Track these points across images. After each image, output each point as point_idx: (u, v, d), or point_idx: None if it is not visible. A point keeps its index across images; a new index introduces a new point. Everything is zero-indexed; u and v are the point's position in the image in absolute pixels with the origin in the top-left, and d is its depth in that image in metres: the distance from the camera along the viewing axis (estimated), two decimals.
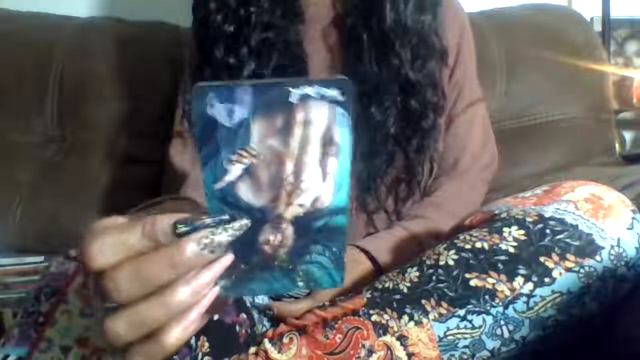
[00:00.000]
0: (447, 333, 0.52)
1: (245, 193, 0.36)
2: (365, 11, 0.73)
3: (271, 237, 0.37)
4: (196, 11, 0.77)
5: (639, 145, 1.43)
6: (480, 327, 0.52)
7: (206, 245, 0.34)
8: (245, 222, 0.36)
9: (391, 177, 0.76)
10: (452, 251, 0.55)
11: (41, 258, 1.00)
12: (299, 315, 0.60)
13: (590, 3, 1.37)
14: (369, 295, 0.57)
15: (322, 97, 0.33)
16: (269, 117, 0.34)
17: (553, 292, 0.51)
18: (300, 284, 0.39)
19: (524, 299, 0.51)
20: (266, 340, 0.56)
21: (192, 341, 0.54)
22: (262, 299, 0.71)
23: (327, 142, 0.35)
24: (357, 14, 0.74)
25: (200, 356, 0.55)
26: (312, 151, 0.35)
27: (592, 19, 1.36)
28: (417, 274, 0.56)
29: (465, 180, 0.83)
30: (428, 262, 0.56)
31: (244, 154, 0.35)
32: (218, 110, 0.33)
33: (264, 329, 0.68)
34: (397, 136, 0.74)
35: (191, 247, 0.33)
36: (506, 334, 0.52)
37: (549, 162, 1.13)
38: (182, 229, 0.34)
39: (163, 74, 1.10)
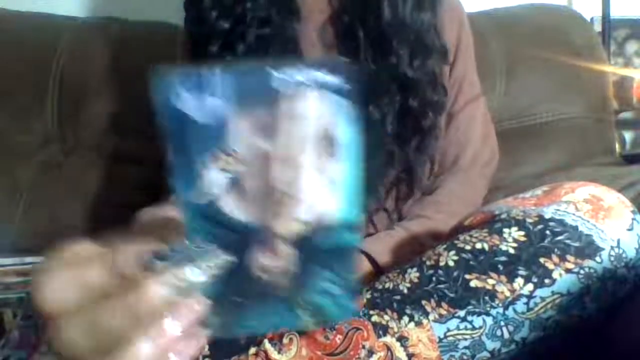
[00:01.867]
0: (447, 334, 0.52)
1: (230, 207, 0.29)
2: (362, 8, 0.72)
3: (267, 262, 0.31)
4: (188, 9, 0.77)
5: (639, 145, 1.43)
6: (480, 328, 0.52)
7: (178, 289, 0.27)
8: (226, 258, 0.29)
9: (391, 177, 0.76)
10: (452, 252, 0.55)
11: (41, 258, 1.00)
12: None
13: (590, 3, 1.37)
14: (368, 296, 0.57)
15: (317, 84, 0.27)
16: (248, 108, 0.27)
17: (553, 293, 0.51)
18: (307, 318, 0.32)
19: (524, 300, 0.51)
20: (266, 341, 0.56)
21: None
22: None
23: (328, 141, 0.28)
24: (353, 11, 0.73)
25: (200, 357, 0.55)
26: (306, 152, 0.28)
27: (592, 19, 1.36)
28: (417, 274, 0.56)
29: (465, 177, 0.83)
30: (428, 263, 0.56)
31: (222, 155, 0.28)
32: (186, 102, 0.27)
33: None
34: (396, 136, 0.74)
35: (157, 292, 0.28)
36: (506, 335, 0.52)
37: (549, 162, 1.13)
38: (157, 263, 0.28)
39: None
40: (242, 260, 0.30)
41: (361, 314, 0.55)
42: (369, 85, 0.72)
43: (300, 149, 0.28)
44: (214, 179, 0.28)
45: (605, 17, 1.35)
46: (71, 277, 0.29)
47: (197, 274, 0.28)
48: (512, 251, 0.52)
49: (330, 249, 0.30)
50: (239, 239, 0.30)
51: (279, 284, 0.31)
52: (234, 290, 0.31)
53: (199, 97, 0.27)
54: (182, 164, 0.28)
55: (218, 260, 0.29)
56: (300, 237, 0.30)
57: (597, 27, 1.34)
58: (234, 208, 0.29)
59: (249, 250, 0.30)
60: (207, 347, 0.55)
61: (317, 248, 0.30)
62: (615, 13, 1.36)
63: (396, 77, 0.73)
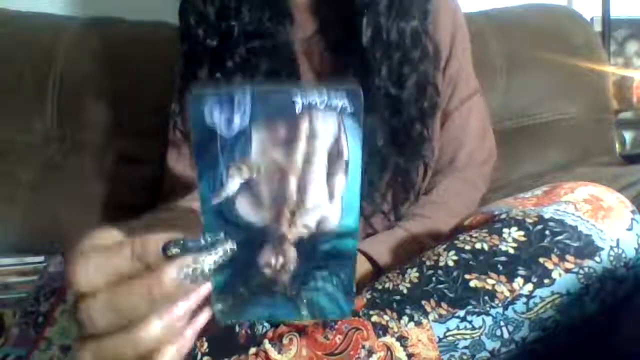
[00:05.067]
0: (447, 334, 0.53)
1: (245, 210, 0.33)
2: (345, 25, 0.71)
3: (272, 260, 0.34)
4: (180, 27, 0.77)
5: (639, 145, 1.43)
6: (480, 327, 0.52)
7: (188, 275, 0.31)
8: (230, 246, 0.33)
9: (385, 182, 0.75)
10: (452, 252, 0.55)
11: (41, 258, 1.00)
12: None
13: (590, 3, 1.37)
14: (368, 296, 0.57)
15: (329, 107, 0.31)
16: (270, 126, 0.31)
17: (552, 293, 0.51)
18: (304, 312, 0.36)
19: (524, 299, 0.51)
20: (266, 341, 0.56)
21: None
22: None
23: (335, 157, 0.32)
24: (338, 28, 0.73)
25: (199, 356, 0.55)
26: (317, 167, 0.32)
27: (592, 19, 1.36)
28: (417, 274, 0.56)
29: (463, 176, 0.83)
30: (428, 263, 0.56)
31: (243, 167, 0.32)
32: (216, 119, 0.30)
33: (264, 329, 0.68)
34: (387, 147, 0.73)
35: (171, 276, 0.31)
36: (506, 335, 0.52)
37: (549, 162, 1.13)
38: (173, 250, 0.32)
39: (163, 74, 1.09)
40: (250, 256, 0.34)
41: (361, 314, 0.55)
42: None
43: (312, 164, 0.32)
44: (234, 184, 0.32)
45: (605, 17, 1.35)
46: (101, 261, 0.32)
47: (206, 262, 0.32)
48: (511, 251, 0.52)
49: (328, 252, 0.34)
50: (249, 238, 0.33)
51: (281, 279, 0.35)
52: (241, 282, 0.35)
53: (229, 115, 0.31)
54: (207, 170, 0.32)
55: (225, 248, 0.33)
56: (303, 240, 0.34)
57: (597, 27, 1.34)
58: (247, 210, 0.33)
59: (257, 248, 0.34)
60: (206, 344, 0.55)
61: (317, 250, 0.34)
62: (615, 13, 1.36)
63: (381, 94, 0.71)
